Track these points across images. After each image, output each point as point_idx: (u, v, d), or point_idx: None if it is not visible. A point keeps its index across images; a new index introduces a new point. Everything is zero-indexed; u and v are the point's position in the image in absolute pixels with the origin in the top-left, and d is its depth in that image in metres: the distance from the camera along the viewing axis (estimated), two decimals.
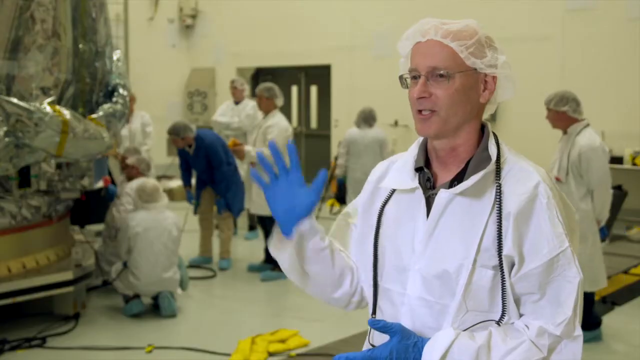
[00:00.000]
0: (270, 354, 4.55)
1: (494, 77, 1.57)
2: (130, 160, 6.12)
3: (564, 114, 4.71)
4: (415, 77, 1.57)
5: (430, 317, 1.55)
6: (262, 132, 6.35)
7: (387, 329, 1.54)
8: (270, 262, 6.38)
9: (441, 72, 1.52)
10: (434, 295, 1.55)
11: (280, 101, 6.52)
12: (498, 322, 1.52)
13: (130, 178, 6.06)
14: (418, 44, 1.57)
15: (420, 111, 1.56)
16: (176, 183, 10.31)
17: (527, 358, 1.48)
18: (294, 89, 12.59)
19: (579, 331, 1.51)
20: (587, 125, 4.79)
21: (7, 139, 4.32)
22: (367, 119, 7.16)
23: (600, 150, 4.67)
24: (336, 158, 8.06)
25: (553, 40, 8.80)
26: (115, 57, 5.88)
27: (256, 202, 6.38)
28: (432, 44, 1.54)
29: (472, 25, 1.56)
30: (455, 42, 1.52)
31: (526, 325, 1.52)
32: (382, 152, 7.04)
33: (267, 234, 6.44)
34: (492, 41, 1.58)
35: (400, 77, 1.61)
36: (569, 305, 1.50)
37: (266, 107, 6.44)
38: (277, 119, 6.37)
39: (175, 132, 6.49)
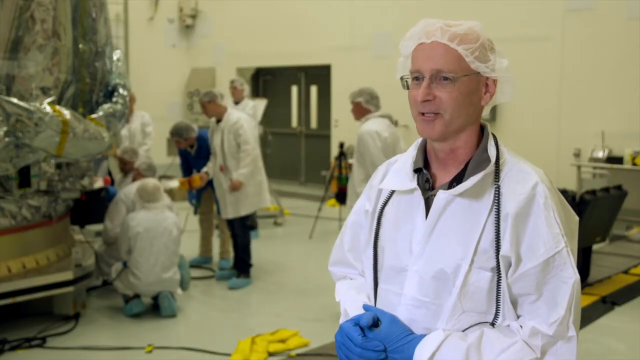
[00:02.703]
0: (270, 354, 4.55)
1: (495, 80, 1.57)
2: (138, 165, 6.16)
3: (358, 105, 5.29)
4: (417, 79, 1.56)
5: (426, 317, 1.56)
6: (227, 132, 6.13)
7: (380, 315, 1.58)
8: (236, 268, 6.36)
9: (446, 75, 1.51)
10: (431, 296, 1.55)
11: (224, 99, 6.29)
12: (492, 324, 1.52)
13: (125, 172, 6.05)
14: (421, 45, 1.55)
15: (423, 113, 1.55)
16: (176, 183, 10.30)
17: (520, 358, 1.47)
18: (294, 89, 12.60)
19: (572, 332, 1.50)
20: (380, 116, 5.28)
21: (7, 139, 4.32)
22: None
23: (371, 135, 5.08)
24: (336, 158, 8.07)
25: (553, 40, 8.80)
26: (115, 57, 5.87)
27: (228, 206, 6.23)
28: (437, 46, 1.53)
29: (476, 29, 1.55)
30: (462, 45, 1.52)
31: (521, 326, 1.51)
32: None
33: (233, 235, 6.41)
34: (493, 44, 1.58)
35: (401, 78, 1.61)
36: (563, 305, 1.49)
37: (215, 111, 6.17)
38: (236, 117, 6.19)
39: (179, 134, 6.48)
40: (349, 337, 1.56)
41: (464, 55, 1.52)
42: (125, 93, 5.67)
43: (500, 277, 1.50)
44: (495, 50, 1.57)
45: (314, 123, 12.34)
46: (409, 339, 1.53)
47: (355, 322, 1.58)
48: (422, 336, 1.52)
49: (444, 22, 1.55)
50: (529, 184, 1.53)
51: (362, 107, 5.29)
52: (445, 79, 1.52)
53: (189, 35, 13.55)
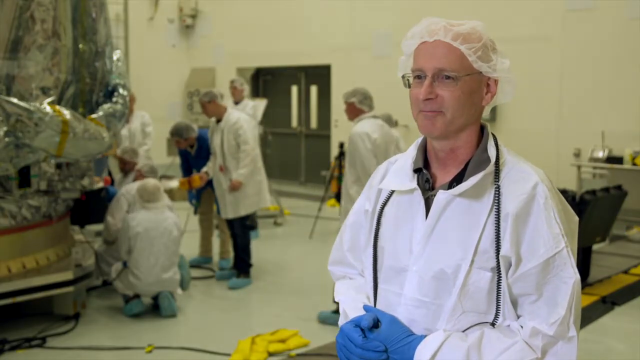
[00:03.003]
0: (270, 354, 4.55)
1: (496, 80, 1.57)
2: (140, 166, 6.17)
3: (352, 105, 5.24)
4: (419, 77, 1.56)
5: (426, 317, 1.56)
6: (227, 132, 6.13)
7: (380, 315, 1.58)
8: (236, 268, 6.36)
9: (449, 74, 1.52)
10: (431, 296, 1.55)
11: (224, 99, 6.30)
12: (492, 324, 1.52)
13: (125, 172, 6.04)
14: (424, 44, 1.55)
15: (424, 110, 1.55)
16: (176, 183, 10.30)
17: (520, 358, 1.47)
18: (294, 89, 12.60)
19: (573, 332, 1.50)
20: (373, 117, 5.22)
21: (7, 139, 4.32)
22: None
23: (360, 136, 5.02)
24: (336, 158, 8.07)
25: (553, 40, 8.81)
26: (115, 57, 5.87)
27: (227, 206, 6.23)
28: (439, 45, 1.53)
29: (479, 28, 1.55)
30: (465, 45, 1.52)
31: (521, 326, 1.51)
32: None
33: (233, 235, 6.42)
34: (494, 44, 1.58)
35: (403, 77, 1.61)
36: (563, 305, 1.49)
37: (215, 111, 6.17)
38: (236, 117, 6.19)
39: (179, 134, 6.49)
40: (349, 338, 1.57)
41: (466, 54, 1.52)
42: (125, 93, 5.67)
43: (501, 277, 1.50)
44: (497, 50, 1.58)
45: (314, 123, 12.34)
46: (410, 339, 1.53)
47: (356, 323, 1.57)
48: (423, 337, 1.52)
49: (447, 21, 1.56)
50: (529, 184, 1.52)
51: (356, 108, 5.27)
52: (448, 77, 1.52)
53: (189, 35, 13.56)
